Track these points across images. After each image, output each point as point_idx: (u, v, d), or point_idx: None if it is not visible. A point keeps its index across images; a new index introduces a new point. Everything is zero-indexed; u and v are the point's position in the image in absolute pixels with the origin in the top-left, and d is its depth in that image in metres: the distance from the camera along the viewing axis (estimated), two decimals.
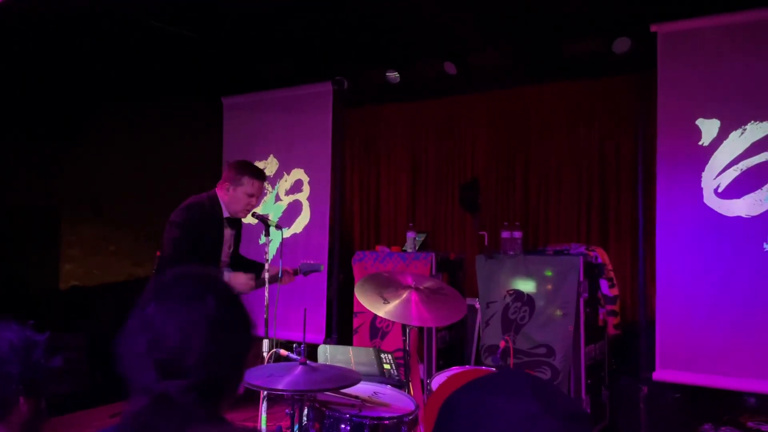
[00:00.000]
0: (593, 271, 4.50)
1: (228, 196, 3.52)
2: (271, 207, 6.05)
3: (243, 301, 1.26)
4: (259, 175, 3.57)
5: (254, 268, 3.65)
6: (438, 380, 3.04)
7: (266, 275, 3.38)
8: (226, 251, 3.62)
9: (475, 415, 0.94)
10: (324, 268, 3.81)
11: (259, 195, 3.57)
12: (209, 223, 3.47)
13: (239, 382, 1.24)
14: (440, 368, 4.76)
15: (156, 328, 1.13)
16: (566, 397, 1.02)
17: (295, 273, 3.68)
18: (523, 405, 0.92)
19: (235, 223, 3.66)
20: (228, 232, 3.59)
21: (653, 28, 4.30)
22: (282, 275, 3.51)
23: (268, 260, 3.38)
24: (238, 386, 1.24)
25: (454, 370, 3.23)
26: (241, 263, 3.74)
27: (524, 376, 1.00)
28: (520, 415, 0.90)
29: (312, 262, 3.82)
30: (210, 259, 3.43)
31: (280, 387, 2.23)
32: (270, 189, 6.11)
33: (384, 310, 3.05)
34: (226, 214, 3.56)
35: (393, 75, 5.63)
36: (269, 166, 6.18)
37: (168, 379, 1.09)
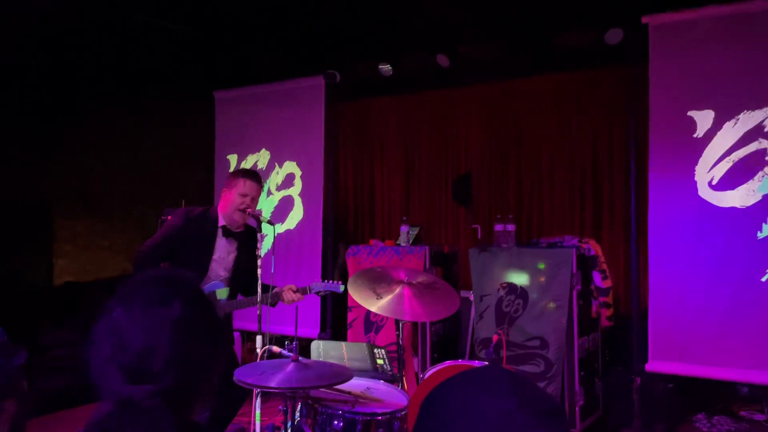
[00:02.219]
0: (586, 264, 4.52)
1: (225, 201, 3.55)
2: (263, 202, 6.04)
3: (212, 307, 1.24)
4: (251, 176, 3.60)
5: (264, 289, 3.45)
6: (431, 374, 3.05)
7: (260, 291, 3.29)
8: (223, 263, 3.56)
9: (453, 410, 0.95)
10: (343, 288, 3.64)
11: (252, 195, 3.55)
12: (196, 229, 3.47)
13: (211, 387, 1.22)
14: (434, 361, 4.78)
15: (121, 333, 1.11)
16: (543, 393, 1.03)
17: (304, 292, 3.56)
18: (499, 401, 0.93)
19: (235, 235, 3.58)
20: (222, 242, 3.54)
21: (645, 20, 4.29)
22: (283, 294, 3.46)
23: (260, 256, 3.34)
24: (210, 391, 1.22)
25: (448, 363, 3.23)
26: (252, 287, 3.51)
27: (504, 373, 1.01)
28: (497, 411, 0.91)
29: (328, 281, 3.63)
30: (194, 266, 3.39)
31: (272, 385, 2.22)
32: (263, 183, 6.09)
33: (377, 305, 3.05)
34: (222, 223, 3.54)
35: (386, 68, 5.60)
36: (261, 158, 6.16)
37: (134, 384, 1.07)
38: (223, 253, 3.56)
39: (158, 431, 1.06)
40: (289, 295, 3.49)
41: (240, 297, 3.63)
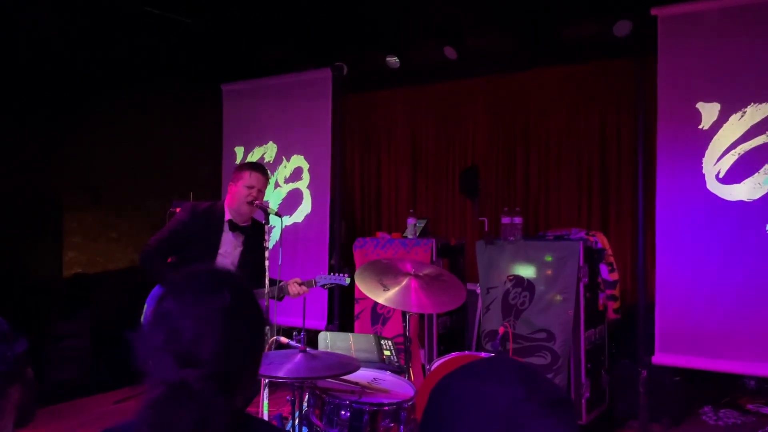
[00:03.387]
0: (593, 256, 4.51)
1: (231, 194, 3.57)
2: (270, 194, 6.05)
3: (256, 298, 1.30)
4: (256, 168, 3.61)
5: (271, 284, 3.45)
6: (437, 366, 3.06)
7: (267, 284, 3.29)
8: (229, 257, 3.57)
9: (463, 399, 0.96)
10: (349, 280, 3.66)
11: (259, 186, 3.55)
12: (203, 223, 3.50)
13: (255, 375, 1.27)
14: (441, 353, 4.79)
15: (173, 321, 1.16)
16: (551, 383, 1.05)
17: (310, 284, 3.57)
18: (508, 390, 0.94)
19: (242, 229, 3.59)
20: (228, 236, 3.56)
21: (654, 11, 4.27)
22: (289, 287, 3.48)
23: (267, 248, 3.35)
24: (253, 379, 1.27)
25: (454, 355, 3.25)
26: (259, 283, 3.46)
27: (512, 363, 1.02)
28: (506, 399, 0.93)
29: (334, 274, 3.64)
30: (201, 260, 3.35)
31: (280, 374, 2.24)
32: (269, 175, 6.10)
33: (384, 297, 3.06)
34: (228, 217, 3.56)
35: (393, 60, 5.60)
36: (268, 151, 6.17)
37: (185, 369, 1.12)
38: (230, 247, 3.58)
39: (210, 413, 1.10)
40: (294, 288, 3.50)
41: None
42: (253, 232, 3.63)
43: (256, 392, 3.44)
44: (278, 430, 1.34)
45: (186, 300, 1.19)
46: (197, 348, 1.13)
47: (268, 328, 3.26)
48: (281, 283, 3.48)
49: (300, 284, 3.52)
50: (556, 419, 0.92)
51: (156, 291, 3.55)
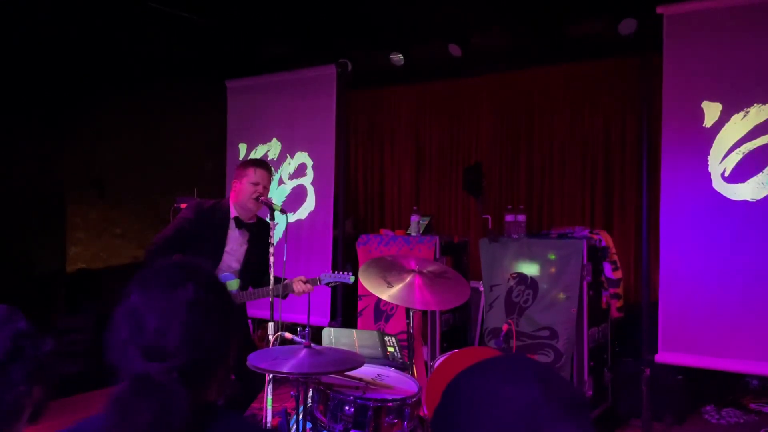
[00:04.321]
0: (597, 255, 4.51)
1: (236, 192, 3.57)
2: (274, 191, 6.06)
3: (226, 290, 1.30)
4: (260, 164, 3.63)
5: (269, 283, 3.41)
6: (440, 362, 3.07)
7: (272, 281, 3.30)
8: (235, 255, 3.58)
9: (478, 401, 0.95)
10: (353, 279, 3.65)
11: (264, 183, 3.57)
12: (208, 221, 3.50)
13: (226, 368, 1.27)
14: (444, 350, 4.80)
15: (139, 315, 1.17)
16: (569, 384, 1.03)
17: (314, 283, 3.56)
18: (526, 392, 0.92)
19: (247, 226, 3.60)
20: (234, 233, 3.56)
21: (659, 10, 4.26)
22: (293, 285, 3.48)
23: (272, 244, 3.35)
24: (225, 372, 1.27)
25: (455, 351, 3.25)
26: (263, 280, 3.52)
27: (528, 363, 1.01)
28: (523, 401, 0.91)
29: (338, 272, 3.63)
30: (207, 258, 3.41)
31: (285, 370, 2.25)
32: (274, 172, 6.10)
33: (388, 293, 3.07)
34: (234, 214, 3.57)
35: (397, 57, 5.59)
36: (272, 149, 6.17)
37: (151, 362, 1.13)
38: (235, 245, 3.58)
39: (172, 405, 1.10)
40: (299, 287, 3.50)
41: (250, 289, 3.64)
42: (258, 229, 3.64)
43: (261, 388, 3.46)
44: (251, 425, 1.33)
45: (150, 294, 1.20)
46: (161, 341, 1.14)
47: (272, 324, 3.27)
48: (286, 282, 3.48)
49: (305, 282, 3.52)
50: (576, 423, 0.91)
51: None
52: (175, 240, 3.43)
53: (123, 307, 1.20)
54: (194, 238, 3.45)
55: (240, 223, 3.58)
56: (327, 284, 3.64)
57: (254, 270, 3.64)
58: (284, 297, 3.48)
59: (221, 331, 1.24)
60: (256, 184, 3.53)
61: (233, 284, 3.52)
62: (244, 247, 3.61)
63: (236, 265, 3.59)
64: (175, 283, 1.20)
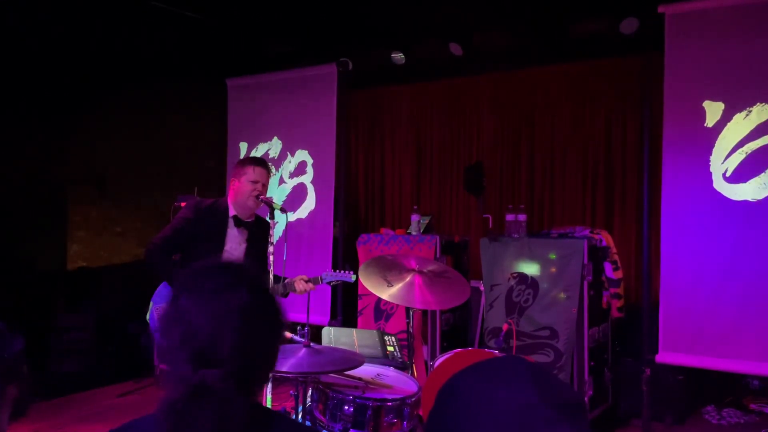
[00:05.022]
0: (597, 254, 4.50)
1: (235, 190, 3.56)
2: (275, 190, 6.06)
3: (273, 294, 1.29)
4: (259, 162, 3.61)
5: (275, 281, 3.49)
6: (440, 362, 3.06)
7: (271, 279, 3.31)
8: (234, 253, 3.56)
9: (472, 402, 0.94)
10: (355, 278, 3.66)
11: (263, 181, 3.56)
12: (207, 221, 3.48)
13: (271, 369, 1.27)
14: (444, 350, 4.79)
15: (189, 320, 1.14)
16: (566, 386, 1.02)
17: (316, 281, 3.55)
18: (521, 394, 0.91)
19: (246, 224, 3.59)
20: (233, 232, 3.55)
21: (661, 9, 4.25)
22: (295, 284, 3.47)
23: (272, 243, 3.35)
24: (269, 373, 1.27)
25: (458, 351, 3.25)
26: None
27: (524, 364, 1.00)
28: (518, 403, 0.90)
29: (339, 271, 3.61)
30: (207, 256, 3.38)
31: (284, 369, 2.25)
32: (274, 171, 6.11)
33: (388, 293, 3.07)
34: (232, 213, 3.56)
35: (398, 56, 5.58)
36: (273, 147, 6.17)
37: (204, 369, 1.10)
38: (234, 243, 3.57)
39: (231, 413, 1.09)
40: (301, 285, 3.49)
41: None
42: (257, 228, 3.64)
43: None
44: (306, 427, 1.33)
45: (201, 297, 1.17)
46: (215, 347, 1.12)
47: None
48: (287, 281, 3.48)
49: (306, 281, 3.52)
50: (572, 426, 0.90)
51: (162, 290, 3.56)
52: (174, 240, 3.43)
53: (172, 310, 1.18)
54: (193, 238, 3.44)
55: (239, 222, 3.57)
56: (329, 283, 3.63)
57: (257, 264, 3.64)
58: (285, 296, 3.49)
59: (271, 335, 1.23)
60: (255, 182, 3.51)
61: None
62: (243, 246, 3.60)
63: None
64: (226, 287, 1.18)
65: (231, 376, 1.11)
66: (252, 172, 3.52)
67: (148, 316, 3.57)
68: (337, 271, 3.64)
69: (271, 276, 3.30)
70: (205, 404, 1.08)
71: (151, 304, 3.54)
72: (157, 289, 3.55)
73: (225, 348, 1.12)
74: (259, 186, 3.53)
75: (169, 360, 1.14)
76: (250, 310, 1.17)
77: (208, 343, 1.12)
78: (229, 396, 1.09)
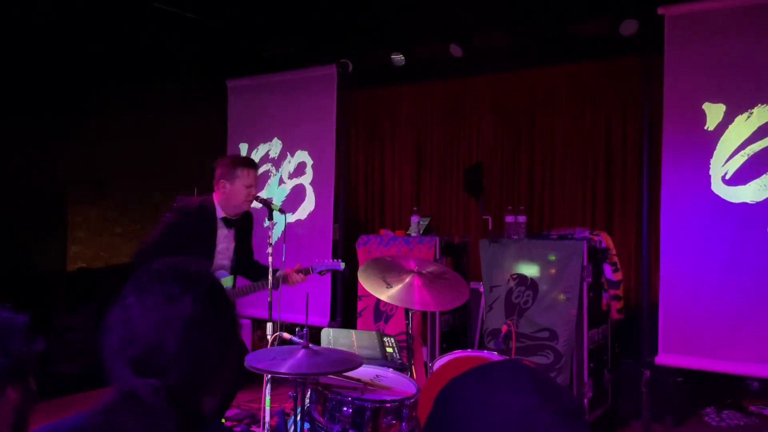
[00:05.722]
0: (597, 256, 4.50)
1: (226, 193, 3.48)
2: (275, 190, 6.06)
3: (229, 301, 1.22)
4: (252, 165, 3.56)
5: (265, 273, 3.48)
6: (440, 364, 3.06)
7: (270, 277, 3.33)
8: (226, 253, 3.56)
9: (471, 407, 0.94)
10: (344, 266, 3.69)
11: (256, 184, 3.56)
12: (197, 225, 3.44)
13: (222, 383, 1.19)
14: (443, 351, 4.79)
15: (132, 324, 1.10)
16: (565, 390, 1.02)
17: (307, 272, 3.58)
18: (522, 399, 0.91)
19: (233, 222, 3.57)
20: (223, 233, 3.52)
21: (661, 11, 4.25)
22: (288, 276, 3.50)
23: (271, 244, 3.35)
24: (222, 386, 1.20)
25: (457, 353, 3.25)
26: (251, 268, 3.68)
27: (524, 368, 1.00)
28: (519, 408, 0.90)
29: (328, 261, 3.67)
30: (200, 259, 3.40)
31: (283, 370, 2.24)
32: (274, 172, 6.11)
33: (387, 294, 3.06)
34: (221, 215, 3.51)
35: (398, 57, 5.59)
36: (273, 148, 6.17)
37: (141, 377, 1.06)
38: (225, 243, 3.56)
39: (158, 427, 1.04)
40: (293, 277, 3.51)
41: (244, 282, 3.65)
42: (242, 222, 3.64)
43: (240, 388, 3.45)
44: None
45: (147, 302, 1.12)
46: (154, 355, 1.08)
47: (270, 324, 3.27)
48: (279, 273, 3.48)
49: (298, 272, 3.53)
50: (572, 429, 0.90)
51: None
52: (163, 245, 3.33)
53: (117, 311, 1.14)
54: (184, 242, 3.36)
55: (229, 223, 3.55)
56: (320, 272, 3.65)
57: (243, 263, 3.66)
58: (276, 287, 3.46)
59: (220, 347, 1.16)
60: (250, 186, 3.48)
61: (227, 281, 3.53)
62: (232, 244, 3.60)
63: (227, 263, 3.58)
64: (173, 293, 1.12)
65: (166, 388, 1.05)
66: (246, 177, 3.47)
67: None
68: (327, 260, 3.68)
69: (271, 273, 3.31)
70: (133, 415, 1.04)
71: None
72: None
73: (164, 358, 1.08)
74: (253, 190, 3.51)
75: (109, 362, 1.10)
76: (196, 322, 1.11)
77: (148, 350, 1.08)
78: (161, 409, 1.04)
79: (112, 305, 1.16)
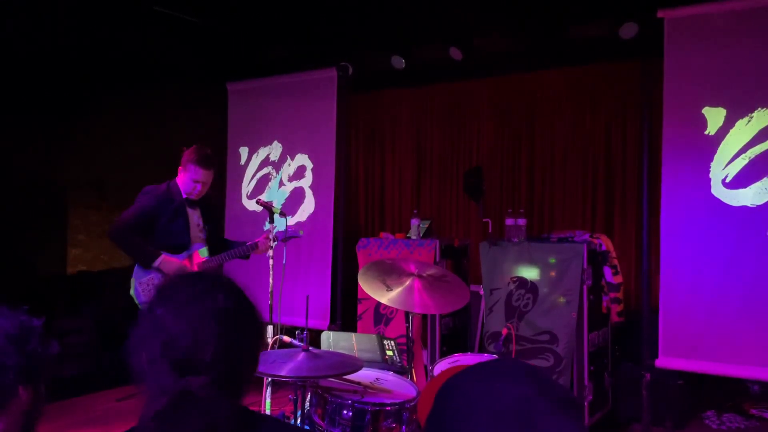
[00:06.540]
0: (597, 259, 4.50)
1: (180, 178, 3.81)
2: (275, 193, 6.06)
3: (247, 293, 1.29)
4: (202, 162, 3.77)
5: (234, 245, 3.95)
6: (440, 367, 3.06)
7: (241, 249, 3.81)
8: (198, 228, 3.88)
9: (470, 397, 0.95)
10: (303, 233, 4.13)
11: (204, 182, 3.75)
12: (164, 205, 3.74)
13: (255, 370, 1.28)
14: (444, 354, 4.78)
15: (168, 329, 1.14)
16: (560, 385, 1.03)
17: (275, 239, 3.80)
18: (518, 387, 0.93)
19: (196, 203, 3.87)
20: (191, 212, 3.83)
21: (660, 14, 4.25)
22: (258, 245, 3.79)
23: (272, 246, 3.41)
24: (253, 374, 1.28)
25: (457, 356, 3.25)
26: (220, 244, 4.01)
27: (521, 363, 1.02)
28: (515, 395, 0.92)
29: (287, 230, 3.92)
30: (178, 234, 3.75)
31: (283, 373, 2.25)
32: (275, 174, 6.11)
33: (387, 297, 3.06)
34: (184, 196, 3.81)
35: (398, 60, 5.59)
36: (273, 151, 6.18)
37: (187, 376, 1.10)
38: (195, 218, 3.88)
39: (218, 418, 1.09)
40: (264, 244, 3.77)
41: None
42: (205, 204, 3.95)
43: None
44: (286, 426, 1.33)
45: (177, 306, 1.16)
46: (196, 354, 1.12)
47: (270, 327, 3.28)
48: (249, 243, 3.81)
49: (267, 238, 3.75)
50: (568, 417, 0.91)
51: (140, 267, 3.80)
52: (137, 227, 3.68)
53: (147, 322, 1.17)
54: (162, 221, 3.70)
55: (192, 203, 3.84)
56: (283, 240, 3.85)
57: (214, 238, 4.00)
58: (246, 257, 3.88)
59: (251, 336, 1.24)
60: (195, 181, 3.75)
61: (204, 252, 3.85)
62: (201, 220, 3.90)
63: (202, 235, 3.89)
64: (202, 293, 1.18)
65: (215, 381, 1.11)
66: (193, 172, 3.75)
67: (132, 292, 3.78)
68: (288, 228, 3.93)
69: (272, 269, 3.51)
70: (192, 411, 1.08)
71: (133, 279, 3.70)
72: (136, 264, 3.79)
73: (207, 353, 1.12)
74: (198, 186, 3.77)
75: (150, 373, 1.13)
76: (228, 314, 1.17)
77: (190, 350, 1.12)
78: (215, 401, 1.09)
79: (136, 322, 1.19)
